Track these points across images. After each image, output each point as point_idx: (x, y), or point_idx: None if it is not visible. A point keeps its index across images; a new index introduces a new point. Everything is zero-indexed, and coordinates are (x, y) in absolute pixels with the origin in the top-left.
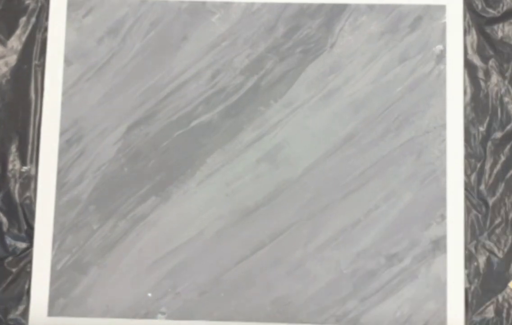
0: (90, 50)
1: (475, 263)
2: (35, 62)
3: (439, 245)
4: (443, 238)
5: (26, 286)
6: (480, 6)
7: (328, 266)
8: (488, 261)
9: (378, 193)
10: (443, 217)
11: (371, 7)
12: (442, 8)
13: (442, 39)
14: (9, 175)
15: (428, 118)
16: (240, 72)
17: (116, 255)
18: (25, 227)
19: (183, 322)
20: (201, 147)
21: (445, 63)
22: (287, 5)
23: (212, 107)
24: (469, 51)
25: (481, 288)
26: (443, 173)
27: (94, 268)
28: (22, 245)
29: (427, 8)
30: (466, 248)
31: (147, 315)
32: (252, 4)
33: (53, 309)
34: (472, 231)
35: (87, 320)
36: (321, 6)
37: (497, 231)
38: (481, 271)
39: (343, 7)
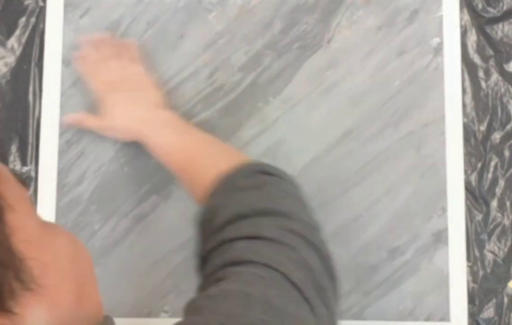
0: None
1: (475, 263)
2: (34, 62)
3: (440, 237)
4: (444, 230)
5: None
6: (480, 6)
7: None
8: (488, 261)
9: (378, 187)
10: (443, 209)
11: (367, 1)
12: (438, 1)
13: (439, 32)
14: None
15: (427, 111)
16: (238, 70)
17: (118, 254)
18: None
19: None
20: None
21: (442, 56)
22: (283, 1)
23: (210, 105)
24: (469, 50)
25: (481, 288)
26: (443, 165)
27: (97, 268)
28: None
29: (424, 1)
30: (467, 240)
31: (150, 314)
32: (249, 1)
33: None
34: (472, 231)
35: None
36: (317, 1)
37: (497, 230)
38: (481, 271)
39: (340, 2)
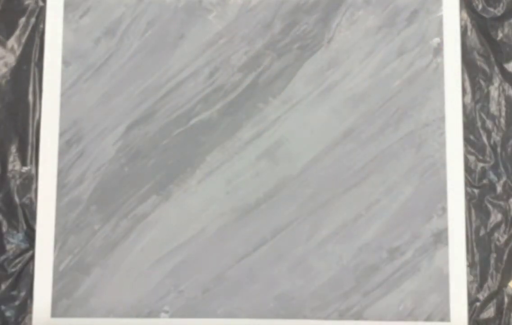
0: (88, 50)
1: (476, 263)
2: (34, 62)
3: (440, 237)
4: (445, 230)
5: (27, 288)
6: (480, 6)
7: (330, 261)
8: (489, 261)
9: (379, 187)
10: (444, 209)
11: (367, 1)
12: (438, 1)
13: (439, 32)
14: (9, 175)
15: (427, 111)
16: (238, 70)
17: (118, 254)
18: (25, 227)
19: (187, 320)
20: (201, 146)
21: (442, 56)
22: (283, 1)
23: (210, 105)
24: (469, 51)
25: (481, 288)
26: (443, 165)
27: (97, 268)
28: (22, 246)
29: (424, 1)
30: (467, 240)
31: (150, 314)
32: (249, 1)
33: (56, 310)
34: (472, 231)
35: (91, 320)
36: (317, 1)
37: (498, 230)
38: (482, 270)
39: (340, 2)
